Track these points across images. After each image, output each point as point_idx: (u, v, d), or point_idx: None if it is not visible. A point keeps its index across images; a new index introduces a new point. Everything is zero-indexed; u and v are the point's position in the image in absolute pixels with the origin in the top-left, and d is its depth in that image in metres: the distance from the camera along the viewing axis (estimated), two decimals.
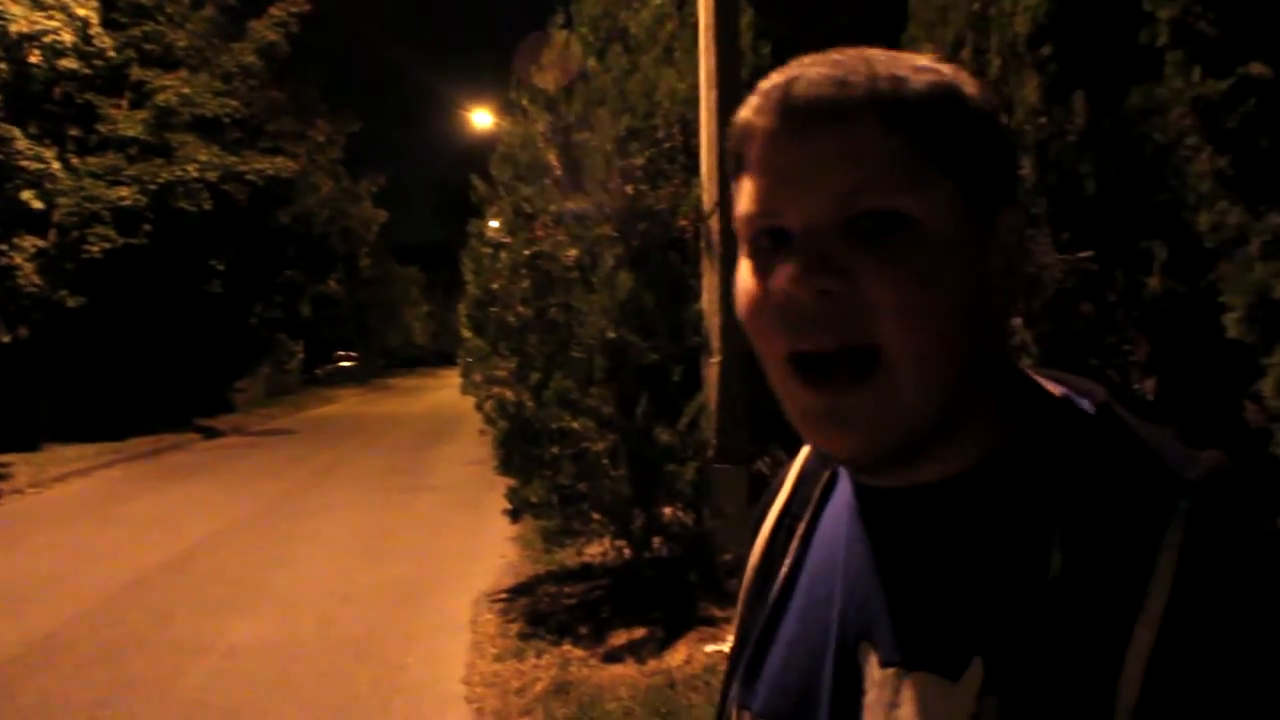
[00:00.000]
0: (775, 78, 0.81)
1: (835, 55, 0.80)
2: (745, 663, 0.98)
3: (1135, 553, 0.72)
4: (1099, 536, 0.74)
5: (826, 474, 0.99)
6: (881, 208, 0.77)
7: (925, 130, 0.77)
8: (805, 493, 1.01)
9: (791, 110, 0.79)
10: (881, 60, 0.79)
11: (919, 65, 0.79)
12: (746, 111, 0.83)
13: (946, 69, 0.80)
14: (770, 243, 0.81)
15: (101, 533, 11.98)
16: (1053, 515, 0.76)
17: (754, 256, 0.83)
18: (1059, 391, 0.85)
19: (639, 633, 6.99)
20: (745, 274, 0.83)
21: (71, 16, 18.70)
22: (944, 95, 0.78)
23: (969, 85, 0.80)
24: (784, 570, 0.98)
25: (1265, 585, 0.70)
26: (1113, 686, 0.69)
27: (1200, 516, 0.72)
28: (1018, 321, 5.31)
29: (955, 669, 0.77)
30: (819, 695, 0.87)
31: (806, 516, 0.99)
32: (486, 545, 10.47)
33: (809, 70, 0.79)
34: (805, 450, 1.03)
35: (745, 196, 0.83)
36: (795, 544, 0.98)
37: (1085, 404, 0.83)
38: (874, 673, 0.82)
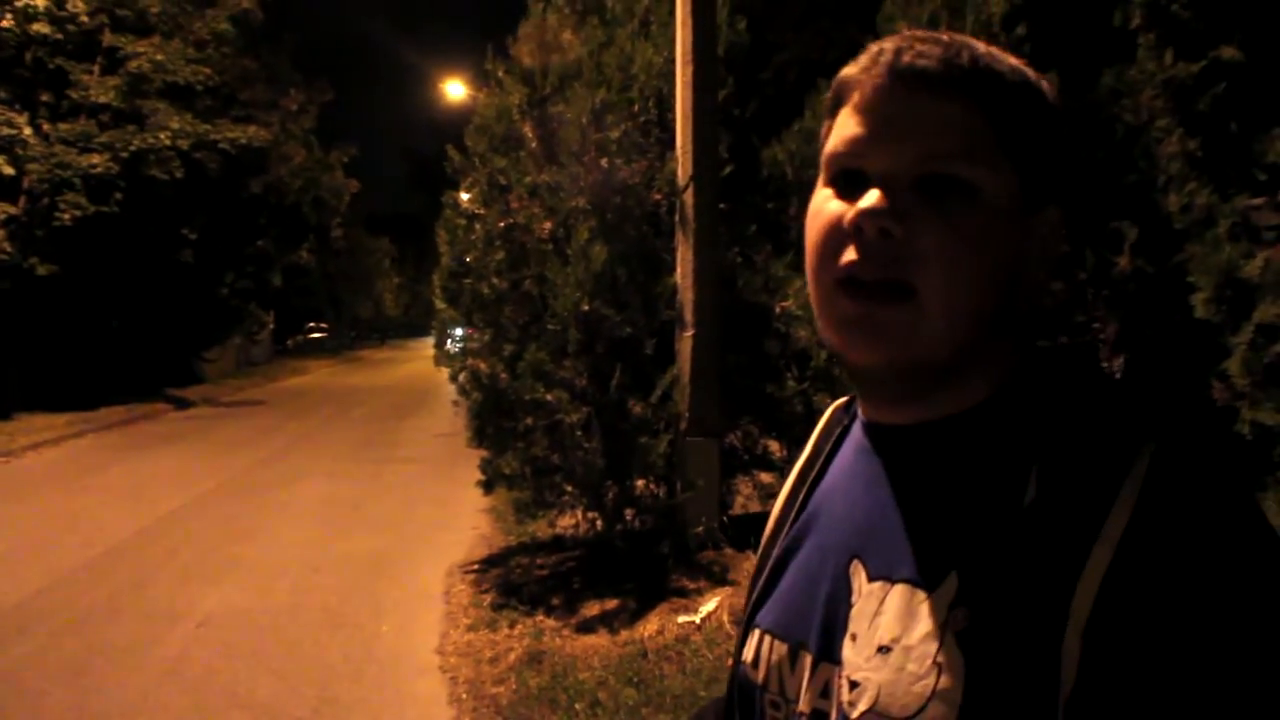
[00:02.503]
0: (886, 43, 0.93)
1: (942, 35, 0.91)
2: (759, 588, 1.11)
3: (1101, 484, 0.79)
4: (1070, 469, 0.82)
5: (841, 426, 1.12)
6: (953, 173, 0.88)
7: (1004, 117, 0.89)
8: (823, 444, 1.14)
9: (901, 72, 0.90)
10: (981, 48, 0.90)
11: (1012, 61, 0.91)
12: (853, 68, 0.95)
13: (1032, 71, 0.91)
14: (845, 181, 0.93)
15: (73, 502, 11.93)
16: (1034, 450, 0.85)
17: (833, 187, 0.95)
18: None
19: (611, 604, 7.03)
20: (821, 201, 0.95)
21: None
22: (1028, 91, 0.90)
23: (1049, 89, 0.91)
24: (795, 508, 1.12)
25: (1217, 520, 0.76)
26: (1067, 601, 0.76)
27: (1165, 456, 0.79)
28: None
29: (933, 582, 0.86)
30: (815, 608, 0.99)
31: (820, 462, 1.13)
32: (458, 517, 10.52)
33: (919, 43, 0.91)
34: (830, 409, 1.17)
35: (835, 138, 0.95)
36: (806, 486, 1.12)
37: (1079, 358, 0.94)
38: (862, 586, 0.94)
